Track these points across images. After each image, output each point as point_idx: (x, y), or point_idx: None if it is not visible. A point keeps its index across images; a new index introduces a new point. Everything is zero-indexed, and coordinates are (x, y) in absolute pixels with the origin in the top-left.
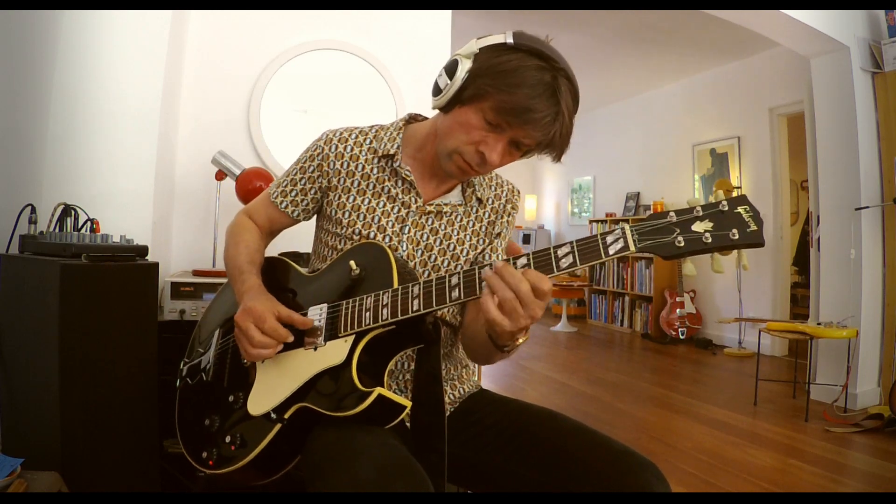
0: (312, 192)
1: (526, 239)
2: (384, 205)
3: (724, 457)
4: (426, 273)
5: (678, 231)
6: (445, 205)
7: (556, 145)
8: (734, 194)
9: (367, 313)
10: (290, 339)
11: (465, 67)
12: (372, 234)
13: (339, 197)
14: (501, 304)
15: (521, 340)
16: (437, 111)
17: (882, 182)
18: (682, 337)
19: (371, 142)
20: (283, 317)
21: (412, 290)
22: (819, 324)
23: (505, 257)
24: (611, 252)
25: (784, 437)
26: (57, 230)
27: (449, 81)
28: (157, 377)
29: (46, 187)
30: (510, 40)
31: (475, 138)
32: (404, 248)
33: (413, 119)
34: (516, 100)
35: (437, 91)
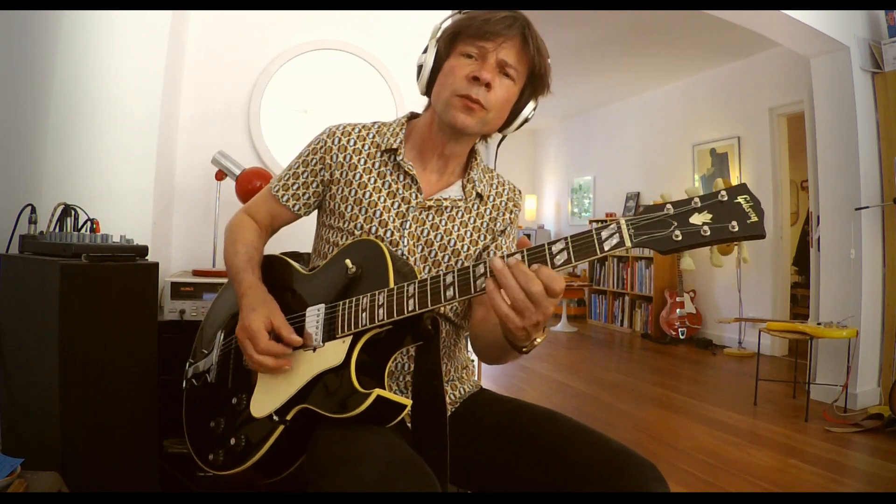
0: (314, 185)
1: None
2: (385, 199)
3: (724, 457)
4: (427, 269)
5: (675, 224)
6: (445, 199)
7: (533, 58)
8: None
9: (364, 314)
10: (289, 351)
11: (434, 39)
12: (373, 229)
13: (342, 190)
14: (513, 303)
15: (538, 340)
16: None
17: (882, 182)
18: (682, 337)
19: (374, 136)
20: (276, 327)
21: (407, 290)
22: (819, 324)
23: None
24: (606, 248)
25: (784, 437)
26: (57, 230)
27: (424, 55)
28: (157, 377)
29: (46, 187)
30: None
31: (464, 72)
32: (405, 243)
33: (414, 116)
34: (477, 20)
35: (419, 72)
